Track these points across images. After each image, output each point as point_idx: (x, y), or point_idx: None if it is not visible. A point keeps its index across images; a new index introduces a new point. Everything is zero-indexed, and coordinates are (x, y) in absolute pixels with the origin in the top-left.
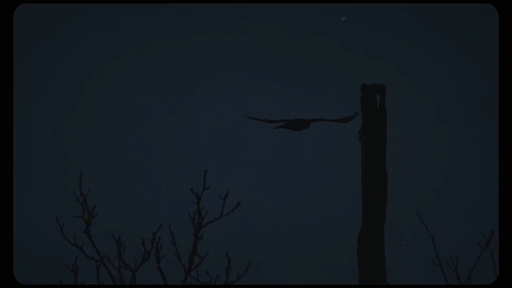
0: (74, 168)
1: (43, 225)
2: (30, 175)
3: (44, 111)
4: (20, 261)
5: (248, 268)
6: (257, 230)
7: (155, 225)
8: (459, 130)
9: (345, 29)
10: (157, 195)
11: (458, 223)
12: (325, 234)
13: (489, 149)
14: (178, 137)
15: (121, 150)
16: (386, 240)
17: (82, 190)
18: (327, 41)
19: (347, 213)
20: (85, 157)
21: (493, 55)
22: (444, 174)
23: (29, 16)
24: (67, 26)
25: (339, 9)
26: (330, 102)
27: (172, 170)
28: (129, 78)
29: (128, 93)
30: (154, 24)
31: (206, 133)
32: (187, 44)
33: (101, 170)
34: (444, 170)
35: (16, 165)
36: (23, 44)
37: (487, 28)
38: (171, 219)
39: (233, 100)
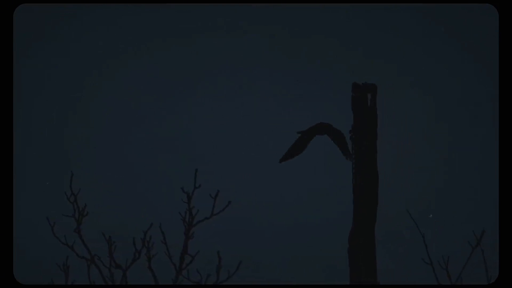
0: (74, 168)
1: (42, 225)
2: (30, 175)
3: (44, 111)
4: (20, 261)
5: (238, 267)
6: (257, 230)
7: (152, 225)
8: (459, 130)
9: (345, 29)
10: (156, 195)
11: (458, 223)
12: (325, 234)
13: (489, 149)
14: (178, 137)
15: (121, 150)
16: (385, 240)
17: (73, 190)
18: (327, 41)
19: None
20: (85, 157)
21: (493, 55)
22: (444, 174)
23: (29, 16)
24: (67, 26)
25: (339, 9)
26: (330, 102)
27: (171, 170)
28: (129, 78)
29: (128, 93)
30: (154, 24)
31: (206, 133)
32: (187, 44)
33: (101, 170)
34: (444, 170)
35: (16, 165)
36: (23, 44)
37: (487, 28)
38: (170, 219)
39: (233, 100)
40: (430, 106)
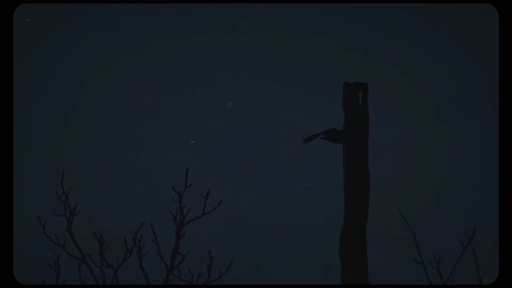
0: (74, 168)
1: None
2: (30, 175)
3: (44, 111)
4: (20, 261)
5: (229, 266)
6: (256, 230)
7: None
8: (459, 130)
9: (345, 29)
10: (156, 195)
11: (458, 223)
12: (325, 234)
13: (489, 149)
14: (177, 137)
15: (121, 150)
16: (384, 240)
17: (65, 189)
18: (327, 41)
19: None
20: (85, 157)
21: (493, 55)
22: (444, 174)
23: (29, 16)
24: (67, 26)
25: (339, 9)
26: (330, 102)
27: (171, 170)
28: (129, 78)
29: (128, 93)
30: (154, 24)
31: (206, 133)
32: (187, 44)
33: (101, 170)
34: (444, 170)
35: (16, 165)
36: (23, 44)
37: (487, 28)
38: (169, 218)
39: (233, 100)
40: (430, 106)
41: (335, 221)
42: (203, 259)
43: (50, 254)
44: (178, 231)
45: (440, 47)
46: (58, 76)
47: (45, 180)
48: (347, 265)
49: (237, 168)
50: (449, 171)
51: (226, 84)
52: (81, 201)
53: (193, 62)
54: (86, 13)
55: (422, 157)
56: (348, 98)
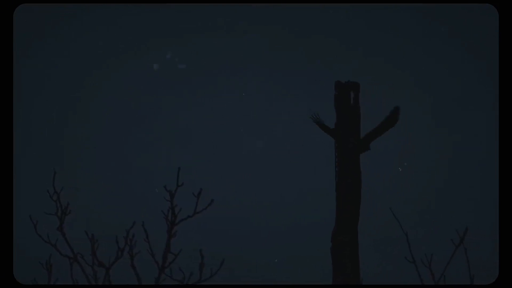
0: (74, 168)
1: (42, 225)
2: (30, 175)
3: (44, 111)
4: (20, 261)
5: (221, 265)
6: (255, 231)
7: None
8: (459, 130)
9: (345, 29)
10: (156, 194)
11: (458, 223)
12: (323, 235)
13: (489, 149)
14: (177, 137)
15: (121, 150)
16: (382, 240)
17: (56, 188)
18: (327, 41)
19: None
20: (85, 157)
21: (493, 55)
22: (444, 174)
23: (29, 16)
24: (67, 26)
25: (339, 9)
26: (330, 102)
27: (171, 170)
28: (129, 78)
29: (128, 93)
30: (154, 24)
31: (205, 133)
32: (187, 44)
33: (101, 170)
34: (444, 170)
35: (16, 165)
36: (23, 44)
37: (487, 28)
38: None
39: (233, 100)
40: (430, 106)
41: (334, 221)
42: (192, 258)
43: (51, 254)
44: (169, 230)
45: (440, 47)
46: (58, 76)
47: (45, 180)
48: (338, 265)
49: (237, 168)
50: (449, 171)
51: (226, 84)
52: (81, 201)
53: (193, 62)
54: (86, 13)
55: (422, 157)
56: (340, 97)
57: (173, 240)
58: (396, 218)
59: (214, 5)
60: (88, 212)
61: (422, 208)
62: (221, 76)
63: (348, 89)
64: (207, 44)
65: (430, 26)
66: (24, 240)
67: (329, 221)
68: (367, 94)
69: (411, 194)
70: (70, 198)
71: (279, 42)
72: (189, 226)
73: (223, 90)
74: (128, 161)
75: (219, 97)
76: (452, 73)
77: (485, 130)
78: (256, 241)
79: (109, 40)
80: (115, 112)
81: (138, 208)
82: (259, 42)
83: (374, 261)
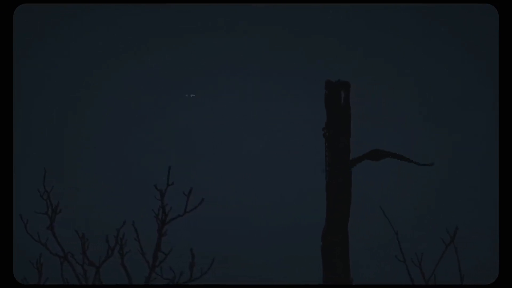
0: (74, 168)
1: (42, 225)
2: (30, 175)
3: (44, 111)
4: (20, 261)
5: (211, 265)
6: (254, 231)
7: (143, 223)
8: (459, 130)
9: (345, 29)
10: (156, 194)
11: (458, 223)
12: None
13: (489, 149)
14: (177, 137)
15: (121, 150)
16: (381, 241)
17: (46, 187)
18: (327, 41)
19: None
20: (85, 157)
21: (493, 55)
22: (444, 174)
23: (29, 16)
24: (67, 26)
25: (339, 9)
26: None
27: (171, 170)
28: (129, 78)
29: (128, 93)
30: (154, 24)
31: (206, 133)
32: (187, 44)
33: (101, 170)
34: (444, 170)
35: (16, 165)
36: (23, 44)
37: (487, 28)
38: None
39: (233, 100)
40: (430, 106)
41: None
42: (182, 258)
43: (41, 253)
44: (160, 229)
45: (440, 47)
46: (58, 76)
47: (45, 180)
48: (329, 264)
49: (237, 168)
50: (449, 171)
51: (226, 84)
52: (81, 201)
53: (193, 62)
54: (86, 13)
55: (422, 157)
56: (330, 96)
57: (164, 239)
58: (386, 217)
59: (214, 5)
60: (88, 212)
61: (422, 208)
62: (221, 76)
63: (338, 89)
64: (207, 44)
65: (430, 26)
66: (24, 240)
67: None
68: (367, 94)
69: (411, 194)
70: (70, 198)
71: (279, 42)
72: (189, 226)
73: (223, 90)
74: (128, 161)
75: (219, 97)
76: (452, 73)
77: (485, 130)
78: (255, 241)
79: (109, 40)
80: (115, 112)
81: (138, 208)
82: (259, 42)
83: (374, 261)
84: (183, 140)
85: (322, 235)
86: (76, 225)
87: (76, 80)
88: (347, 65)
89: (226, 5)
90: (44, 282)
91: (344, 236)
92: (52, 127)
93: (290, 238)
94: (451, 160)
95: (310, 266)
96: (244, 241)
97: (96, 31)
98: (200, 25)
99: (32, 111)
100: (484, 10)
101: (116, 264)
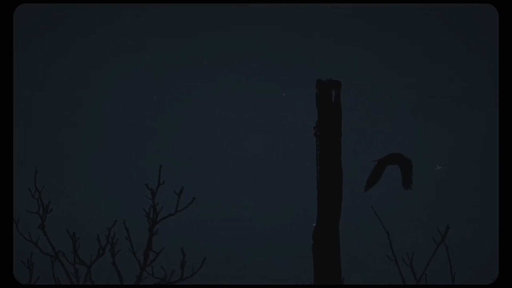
0: (73, 168)
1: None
2: (30, 175)
3: (44, 111)
4: (20, 261)
5: (202, 263)
6: (254, 230)
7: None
8: (459, 130)
9: (345, 29)
10: (156, 195)
11: (458, 223)
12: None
13: (489, 149)
14: (178, 137)
15: (120, 150)
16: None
17: (38, 186)
18: (326, 41)
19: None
20: (84, 157)
21: (493, 55)
22: (444, 174)
23: (29, 16)
24: (67, 26)
25: (339, 9)
26: None
27: (171, 170)
28: (129, 78)
29: (128, 93)
30: (154, 24)
31: (206, 133)
32: (187, 44)
33: (101, 170)
34: (444, 170)
35: (16, 165)
36: (23, 44)
37: (487, 28)
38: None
39: (233, 100)
40: (430, 106)
41: None
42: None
43: (32, 252)
44: (151, 229)
45: (440, 47)
46: (58, 76)
47: (44, 181)
48: (320, 263)
49: (237, 168)
50: (449, 171)
51: (226, 84)
52: (81, 201)
53: (193, 62)
54: (86, 13)
55: (422, 157)
56: (321, 95)
57: (159, 238)
58: (377, 215)
59: (214, 5)
60: (88, 212)
61: (422, 208)
62: (221, 76)
63: (329, 87)
64: (207, 44)
65: (430, 26)
66: (24, 240)
67: None
68: (367, 94)
69: (410, 194)
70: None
71: (279, 42)
72: (189, 226)
73: (223, 90)
74: (127, 161)
75: (219, 97)
76: (452, 73)
77: (485, 129)
78: (255, 240)
79: (109, 40)
80: (115, 112)
81: (138, 208)
82: (259, 42)
83: (374, 262)
84: (183, 140)
85: (313, 234)
86: (76, 225)
87: (77, 80)
88: (347, 65)
89: (226, 5)
90: (35, 282)
91: (335, 236)
92: (52, 127)
93: (291, 238)
94: (451, 160)
95: (310, 266)
96: (244, 241)
97: (96, 31)
98: (200, 25)
99: (32, 111)
100: (484, 10)
101: (108, 263)
